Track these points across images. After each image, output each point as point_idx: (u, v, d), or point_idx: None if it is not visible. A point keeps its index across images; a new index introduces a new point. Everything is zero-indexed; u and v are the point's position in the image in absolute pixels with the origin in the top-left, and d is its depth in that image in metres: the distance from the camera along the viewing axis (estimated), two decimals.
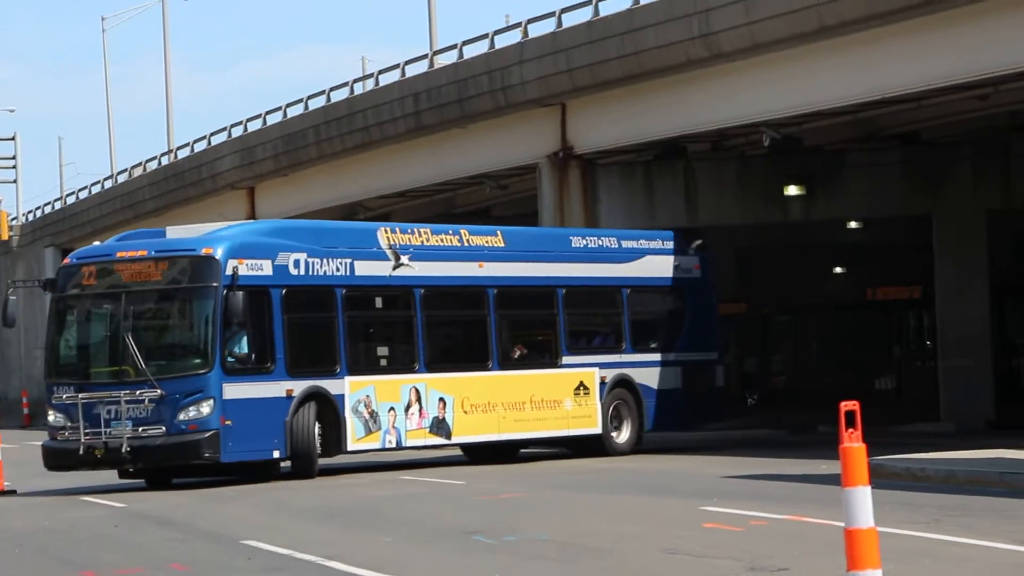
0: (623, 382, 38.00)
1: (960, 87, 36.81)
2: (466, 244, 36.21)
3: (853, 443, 10.75)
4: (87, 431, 30.26)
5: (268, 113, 58.77)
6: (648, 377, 38.72)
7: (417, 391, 33.90)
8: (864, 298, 58.21)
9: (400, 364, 34.95)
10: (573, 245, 38.25)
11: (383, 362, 34.86)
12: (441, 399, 34.27)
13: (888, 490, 24.25)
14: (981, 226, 46.98)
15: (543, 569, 18.56)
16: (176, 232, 33.54)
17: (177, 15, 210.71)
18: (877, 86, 37.02)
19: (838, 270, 61.05)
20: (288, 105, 57.11)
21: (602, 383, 37.58)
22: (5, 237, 76.42)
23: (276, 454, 31.41)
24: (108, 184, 77.37)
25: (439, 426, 34.33)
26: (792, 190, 46.51)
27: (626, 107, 43.13)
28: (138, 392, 30.19)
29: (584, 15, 42.72)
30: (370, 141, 51.85)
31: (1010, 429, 40.44)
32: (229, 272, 30.26)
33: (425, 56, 51.55)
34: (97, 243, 35.27)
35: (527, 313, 38.56)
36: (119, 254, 31.41)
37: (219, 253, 30.56)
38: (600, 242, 38.72)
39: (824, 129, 43.79)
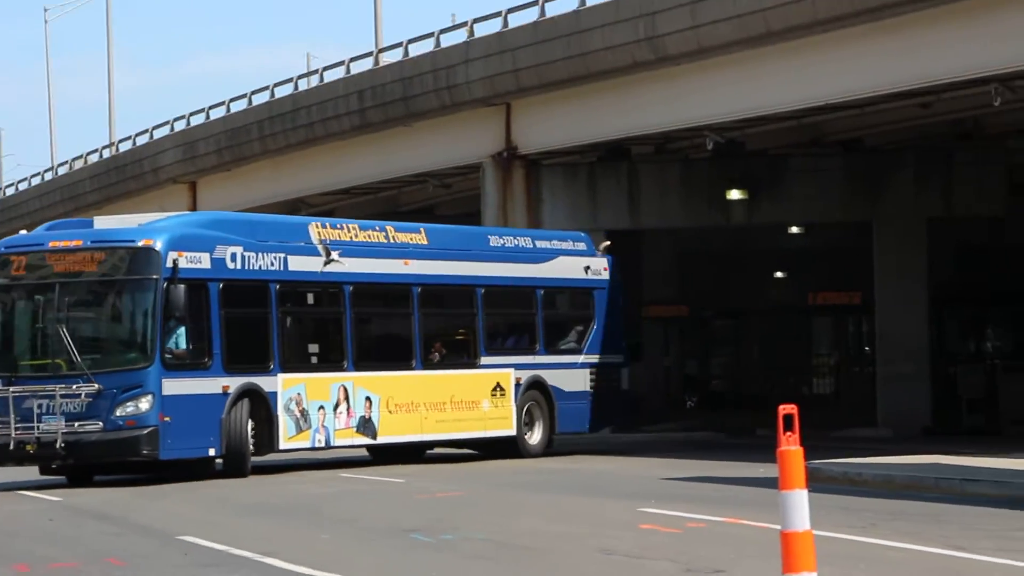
0: (536, 384, 37.67)
1: (903, 95, 36.98)
2: (392, 241, 35.82)
3: (791, 446, 10.79)
4: (18, 426, 29.22)
5: (211, 108, 58.49)
6: (559, 379, 38.37)
7: (345, 389, 33.54)
8: (805, 303, 58.27)
9: (330, 362, 34.48)
10: (491, 244, 38.01)
11: (314, 359, 34.30)
12: (367, 398, 33.89)
13: (825, 494, 24.33)
14: (922, 234, 47.16)
15: (481, 569, 18.58)
16: (105, 223, 32.64)
17: (121, 9, 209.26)
18: (821, 92, 37.15)
19: (779, 275, 61.24)
20: (232, 100, 56.91)
21: (517, 384, 37.30)
22: None
23: (212, 451, 30.69)
24: (48, 176, 77.09)
25: (365, 425, 33.95)
26: (735, 194, 46.59)
27: (571, 108, 43.14)
28: (73, 386, 29.18)
29: (530, 15, 42.74)
30: (314, 137, 51.70)
31: (946, 435, 40.69)
32: (169, 264, 29.32)
33: (370, 54, 51.31)
34: (24, 232, 34.23)
35: (448, 312, 38.34)
36: (52, 244, 30.24)
37: (159, 245, 29.52)
38: (516, 242, 38.50)
39: (768, 134, 43.95)
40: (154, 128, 63.81)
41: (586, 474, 33.29)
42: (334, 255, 36.58)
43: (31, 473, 32.07)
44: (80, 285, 30.26)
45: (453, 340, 37.64)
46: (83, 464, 30.65)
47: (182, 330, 30.02)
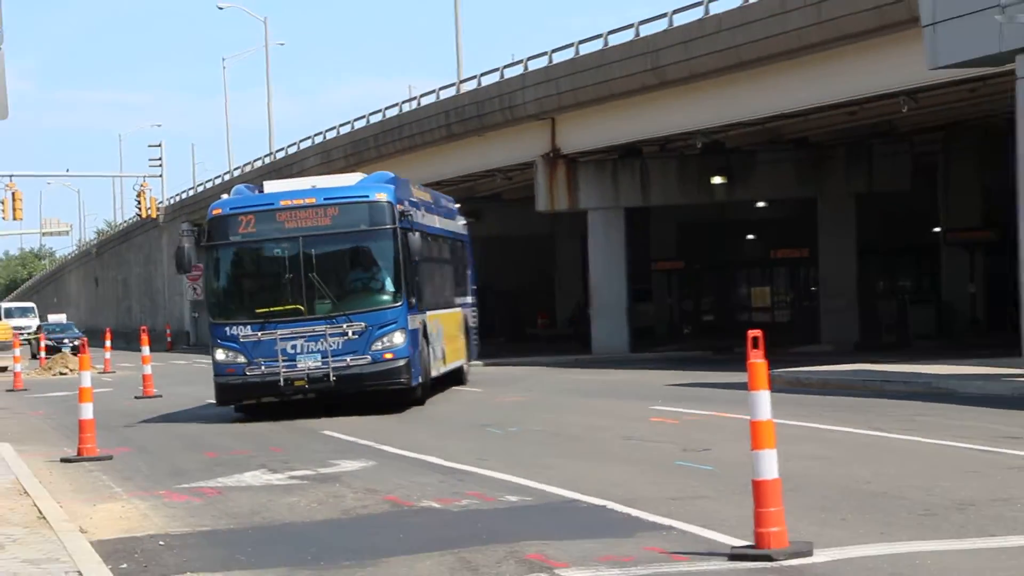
0: (465, 320, 33.94)
1: (836, 105, 36.80)
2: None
3: (757, 360, 10.85)
4: (285, 364, 24.10)
5: (340, 126, 58.70)
6: (471, 317, 35.18)
7: (439, 324, 29.13)
8: (768, 257, 58.22)
9: (444, 301, 30.86)
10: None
11: (440, 299, 30.24)
12: (440, 330, 29.37)
13: (783, 393, 24.36)
14: (852, 205, 46.97)
15: (540, 449, 18.73)
16: (278, 186, 26.58)
17: (276, 55, 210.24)
18: (778, 105, 37.03)
19: (750, 237, 61.00)
20: (355, 119, 57.06)
21: (464, 321, 33.80)
22: (154, 216, 76.43)
23: (420, 379, 26.02)
24: (227, 177, 77.50)
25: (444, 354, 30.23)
26: (717, 179, 46.41)
27: (598, 120, 43.03)
28: (344, 325, 24.29)
29: (568, 54, 42.63)
30: (413, 146, 51.76)
31: (869, 349, 40.55)
32: (399, 215, 24.81)
33: (453, 84, 51.40)
34: (227, 196, 27.02)
35: (449, 259, 33.23)
36: (282, 202, 24.87)
37: (390, 198, 24.98)
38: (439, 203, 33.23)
39: (741, 135, 43.70)
40: (300, 141, 64.12)
41: (612, 383, 33.23)
42: (460, 219, 35.39)
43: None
44: (323, 237, 24.81)
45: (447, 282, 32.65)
46: (352, 392, 25.09)
47: (410, 273, 25.31)
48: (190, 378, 41.45)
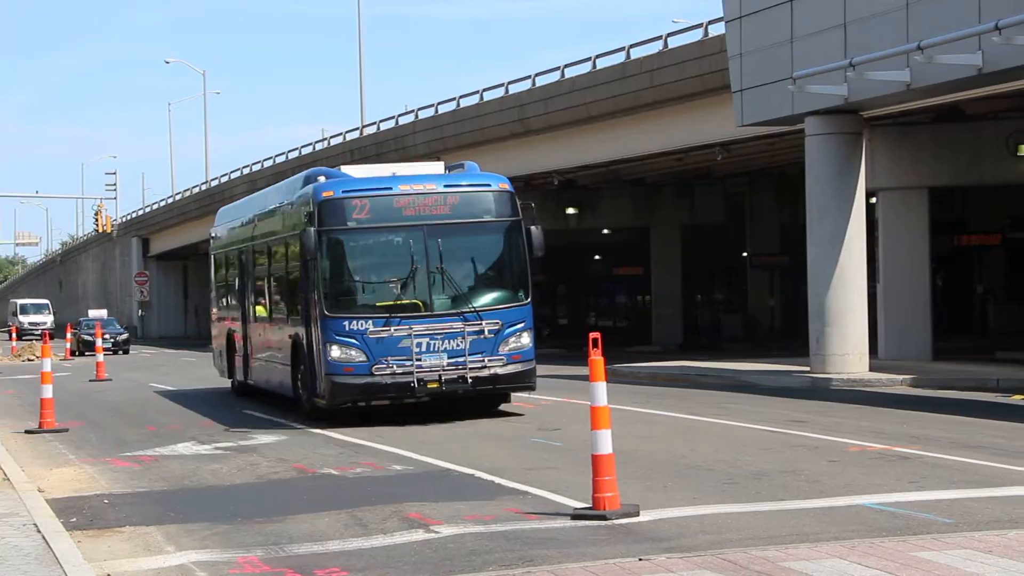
0: None
1: (665, 153, 37.11)
2: None
3: (596, 357, 10.88)
4: (419, 363, 17.90)
5: (265, 160, 57.88)
6: None
7: None
8: (611, 273, 58.59)
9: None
10: None
11: None
12: None
13: (619, 384, 24.48)
14: (678, 233, 47.51)
15: (421, 430, 18.50)
16: (355, 171, 20.04)
17: (213, 101, 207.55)
18: (619, 152, 37.25)
19: (597, 257, 61.36)
20: (276, 155, 56.27)
21: None
22: (109, 230, 75.06)
23: None
24: (169, 200, 76.38)
25: None
26: (571, 210, 46.74)
27: (476, 160, 42.56)
28: (476, 323, 18.21)
29: (451, 106, 42.52)
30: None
31: (691, 350, 40.99)
32: (521, 207, 19.31)
33: (358, 127, 50.96)
34: (324, 180, 19.19)
35: None
36: (401, 187, 18.48)
37: (510, 188, 19.38)
38: None
39: (590, 175, 43.87)
40: (231, 172, 63.28)
41: None
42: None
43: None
44: (449, 227, 18.48)
45: None
46: (485, 396, 19.10)
47: (533, 269, 19.65)
48: (137, 365, 40.98)
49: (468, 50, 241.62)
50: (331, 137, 51.93)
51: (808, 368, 25.11)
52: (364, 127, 50.90)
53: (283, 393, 21.10)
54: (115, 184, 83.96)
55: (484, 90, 40.90)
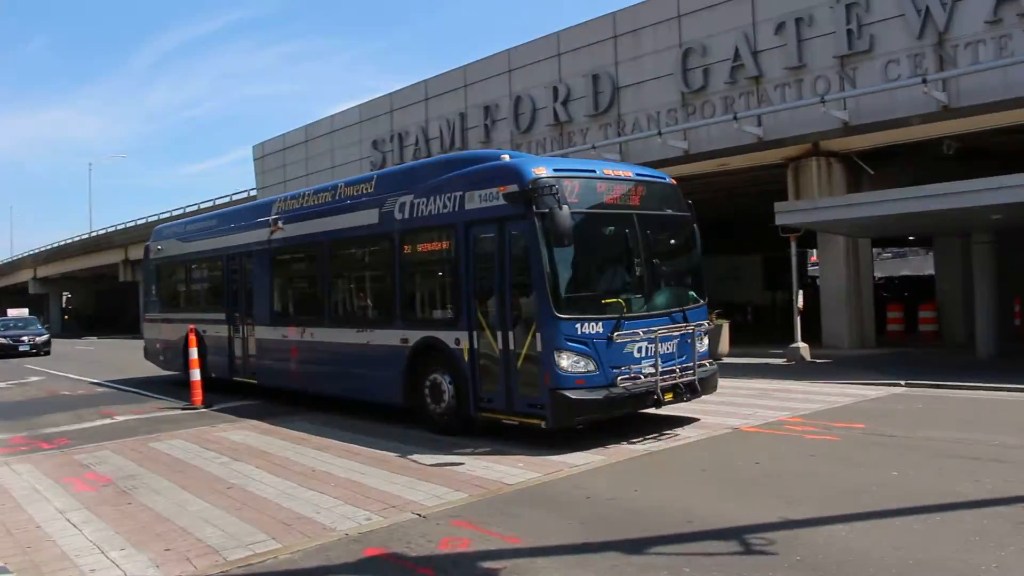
0: None
1: None
2: None
3: None
4: (664, 371, 14.99)
5: (149, 216, 63.95)
6: None
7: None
8: None
9: None
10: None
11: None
12: None
13: None
14: None
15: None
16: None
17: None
18: None
19: None
20: (161, 213, 61.42)
21: None
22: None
23: None
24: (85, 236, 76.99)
25: None
26: None
27: None
28: (699, 324, 15.90)
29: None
30: None
31: None
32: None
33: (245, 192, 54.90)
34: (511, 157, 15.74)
35: None
36: (605, 172, 15.49)
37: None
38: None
39: None
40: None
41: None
42: None
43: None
44: (652, 218, 15.80)
45: None
46: (689, 402, 15.86)
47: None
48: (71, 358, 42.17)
49: None
50: (218, 199, 55.57)
51: None
52: (249, 194, 54.53)
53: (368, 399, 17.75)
54: None
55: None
